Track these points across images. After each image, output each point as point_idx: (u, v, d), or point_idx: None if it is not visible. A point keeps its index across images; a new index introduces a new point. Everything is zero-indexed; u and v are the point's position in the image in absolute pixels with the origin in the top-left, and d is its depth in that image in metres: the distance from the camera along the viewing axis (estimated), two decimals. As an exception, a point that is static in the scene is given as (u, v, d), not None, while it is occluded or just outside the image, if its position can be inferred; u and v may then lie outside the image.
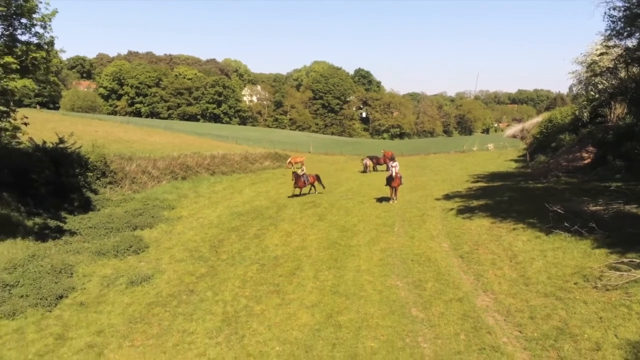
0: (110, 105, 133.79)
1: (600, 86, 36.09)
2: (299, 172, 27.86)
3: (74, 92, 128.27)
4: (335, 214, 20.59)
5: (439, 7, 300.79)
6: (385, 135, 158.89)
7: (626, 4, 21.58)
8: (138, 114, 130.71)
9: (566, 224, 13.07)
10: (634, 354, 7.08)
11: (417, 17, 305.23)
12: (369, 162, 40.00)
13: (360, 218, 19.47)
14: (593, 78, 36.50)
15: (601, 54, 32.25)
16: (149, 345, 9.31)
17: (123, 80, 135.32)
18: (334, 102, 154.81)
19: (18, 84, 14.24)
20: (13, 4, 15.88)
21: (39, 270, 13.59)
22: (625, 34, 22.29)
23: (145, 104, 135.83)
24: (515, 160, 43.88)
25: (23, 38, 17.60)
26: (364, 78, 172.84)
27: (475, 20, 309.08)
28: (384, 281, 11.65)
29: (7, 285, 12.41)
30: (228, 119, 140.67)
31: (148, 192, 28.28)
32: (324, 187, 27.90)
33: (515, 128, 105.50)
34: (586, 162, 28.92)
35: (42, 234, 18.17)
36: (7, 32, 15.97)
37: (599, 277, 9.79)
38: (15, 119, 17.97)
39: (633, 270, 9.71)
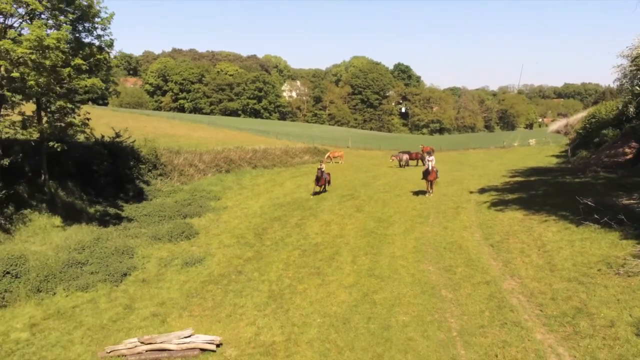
0: (156, 101, 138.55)
1: (647, 80, 35.35)
2: (322, 167, 27.21)
3: (122, 89, 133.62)
4: (372, 206, 21.47)
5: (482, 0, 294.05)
6: (424, 130, 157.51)
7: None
8: (182, 109, 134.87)
9: (596, 216, 13.55)
10: (644, 329, 7.74)
11: (459, 11, 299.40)
12: (404, 157, 40.64)
13: (397, 210, 20.30)
14: (638, 72, 35.80)
15: (649, 48, 31.67)
16: (205, 315, 10.54)
17: (167, 77, 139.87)
18: (373, 97, 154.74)
19: (88, 82, 15.84)
20: (78, 9, 17.46)
21: (104, 251, 15.19)
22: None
23: (189, 100, 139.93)
24: (557, 156, 43.38)
25: (85, 41, 19.37)
26: (403, 73, 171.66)
27: (520, 12, 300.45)
28: (417, 266, 12.51)
29: (79, 263, 14.00)
30: (268, 115, 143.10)
31: (195, 184, 29.94)
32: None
33: (559, 123, 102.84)
34: (628, 157, 28.65)
35: (103, 220, 19.92)
36: (74, 36, 17.57)
37: (622, 265, 10.35)
38: (79, 115, 19.75)
39: (656, 259, 10.23)
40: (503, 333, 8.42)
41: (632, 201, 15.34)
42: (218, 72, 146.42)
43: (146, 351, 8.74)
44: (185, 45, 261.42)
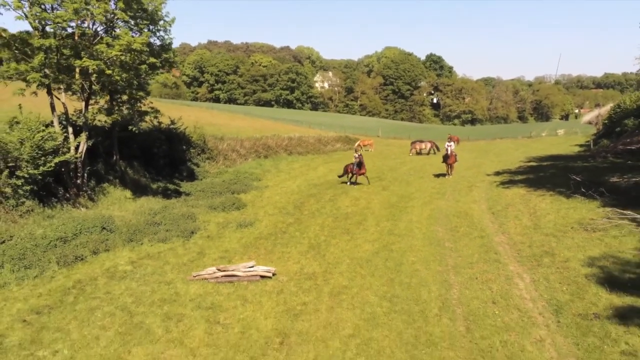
0: (192, 92, 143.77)
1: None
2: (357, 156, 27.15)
3: (157, 80, 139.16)
4: (397, 186, 24.34)
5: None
6: (456, 121, 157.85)
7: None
8: (217, 100, 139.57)
9: (583, 190, 16.11)
10: (590, 262, 10.42)
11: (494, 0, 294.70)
12: (423, 146, 43.48)
13: (418, 188, 23.12)
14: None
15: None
16: (260, 258, 13.68)
17: (204, 68, 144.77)
18: (404, 87, 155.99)
19: (161, 78, 19.22)
20: (149, 16, 20.79)
21: (172, 216, 18.57)
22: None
23: (224, 91, 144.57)
24: (581, 145, 44.96)
25: (150, 40, 22.77)
26: (435, 63, 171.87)
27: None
28: (428, 227, 15.38)
29: (156, 223, 17.42)
30: (300, 105, 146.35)
31: (238, 167, 33.39)
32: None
33: (592, 114, 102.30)
34: (640, 145, 30.42)
35: (165, 194, 23.45)
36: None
37: (590, 224, 12.98)
38: (145, 104, 23.23)
39: (618, 219, 12.81)
40: (485, 266, 11.26)
41: (620, 179, 17.73)
42: (252, 63, 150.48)
43: (221, 276, 11.92)
44: (221, 37, 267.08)
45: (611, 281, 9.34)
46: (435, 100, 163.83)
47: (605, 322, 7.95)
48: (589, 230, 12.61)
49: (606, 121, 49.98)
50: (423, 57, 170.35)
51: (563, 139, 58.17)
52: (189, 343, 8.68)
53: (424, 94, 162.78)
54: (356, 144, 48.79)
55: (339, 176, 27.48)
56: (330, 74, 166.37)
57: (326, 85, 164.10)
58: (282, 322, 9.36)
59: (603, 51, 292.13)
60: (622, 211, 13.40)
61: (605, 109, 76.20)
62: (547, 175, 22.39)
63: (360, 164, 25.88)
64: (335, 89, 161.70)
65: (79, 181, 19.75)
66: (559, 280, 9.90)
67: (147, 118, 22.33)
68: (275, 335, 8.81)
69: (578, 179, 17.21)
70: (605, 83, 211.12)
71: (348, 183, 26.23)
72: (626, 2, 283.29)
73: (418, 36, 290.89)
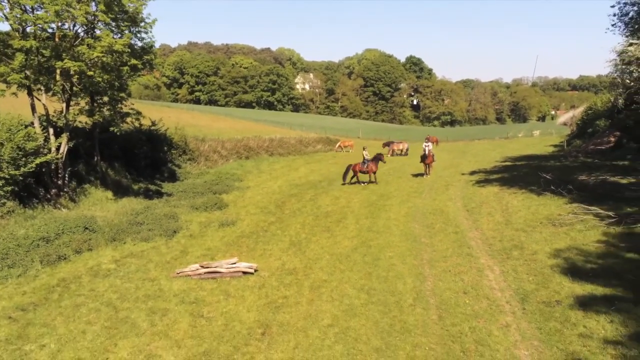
0: (172, 94, 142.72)
1: (635, 74, 38.02)
2: (365, 155, 26.84)
3: (139, 82, 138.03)
4: (376, 185, 24.86)
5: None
6: (435, 122, 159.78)
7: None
8: (197, 101, 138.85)
9: (552, 188, 16.85)
10: (555, 254, 11.04)
11: (474, 3, 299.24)
12: (401, 146, 44.49)
13: (396, 187, 23.68)
14: (627, 67, 38.50)
15: (630, 44, 34.38)
16: (242, 256, 14.00)
17: (184, 70, 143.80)
18: (384, 89, 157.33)
19: (144, 79, 19.35)
20: (130, 17, 20.93)
21: (155, 216, 18.75)
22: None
23: (205, 92, 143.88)
24: (555, 146, 46.10)
25: (132, 42, 22.87)
26: (415, 65, 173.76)
27: (536, 3, 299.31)
28: (406, 224, 15.90)
29: (138, 223, 17.59)
30: (281, 107, 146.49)
31: (219, 168, 33.60)
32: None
33: (566, 116, 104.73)
34: (610, 145, 31.55)
35: (147, 194, 23.58)
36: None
37: (557, 219, 13.64)
38: (126, 106, 23.30)
39: (584, 215, 13.50)
40: (458, 259, 11.79)
41: (588, 178, 18.52)
42: (233, 65, 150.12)
43: (204, 273, 12.22)
44: (201, 38, 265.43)
45: (574, 271, 9.94)
46: (415, 102, 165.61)
47: (566, 308, 8.51)
48: (557, 225, 13.25)
49: (579, 122, 51.41)
50: (403, 59, 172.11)
51: (538, 139, 59.58)
52: (174, 335, 8.99)
53: (404, 96, 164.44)
54: (337, 145, 49.34)
55: (344, 179, 26.03)
56: (311, 75, 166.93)
57: (307, 86, 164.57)
58: (264, 314, 9.74)
59: (579, 54, 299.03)
60: (587, 207, 14.11)
61: (579, 111, 78.09)
62: (521, 174, 23.15)
63: (377, 162, 25.81)
64: (316, 90, 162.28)
65: (60, 182, 19.81)
66: (526, 272, 10.47)
67: (129, 119, 22.46)
68: (258, 327, 9.18)
69: (548, 177, 17.97)
70: (581, 85, 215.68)
71: (351, 182, 25.74)
72: (601, 5, 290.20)
73: (398, 38, 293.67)
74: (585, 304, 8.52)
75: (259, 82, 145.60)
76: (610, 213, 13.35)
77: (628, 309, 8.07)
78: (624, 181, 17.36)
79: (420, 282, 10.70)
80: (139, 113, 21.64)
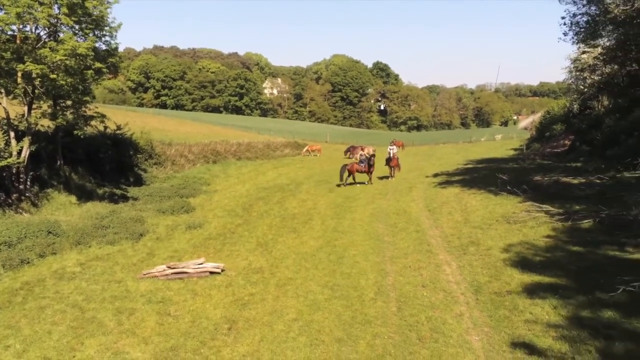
0: (138, 98, 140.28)
1: (588, 81, 39.95)
2: (359, 157, 27.08)
3: (104, 86, 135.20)
4: (343, 188, 25.35)
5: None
6: (402, 127, 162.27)
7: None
8: (164, 106, 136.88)
9: (508, 188, 17.71)
10: (508, 249, 11.72)
11: (439, 9, 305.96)
12: (366, 151, 45.19)
13: (362, 190, 24.23)
14: (581, 73, 40.42)
15: (583, 52, 36.15)
16: (209, 257, 14.17)
17: (149, 74, 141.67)
18: (352, 94, 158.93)
19: (109, 83, 19.28)
20: (94, 21, 20.80)
21: (121, 219, 18.66)
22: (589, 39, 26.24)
23: (171, 97, 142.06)
24: (515, 149, 47.78)
25: (96, 45, 22.69)
26: (382, 71, 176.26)
27: (497, 11, 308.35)
28: (370, 224, 16.40)
29: (104, 226, 17.50)
30: (249, 111, 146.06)
31: (186, 172, 33.44)
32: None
33: (527, 120, 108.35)
34: (564, 148, 33.06)
35: (112, 199, 23.35)
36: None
37: (512, 217, 14.38)
38: (89, 109, 23.04)
39: (536, 212, 14.29)
40: (418, 256, 12.33)
41: (542, 178, 19.48)
42: (200, 69, 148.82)
43: (171, 273, 12.34)
44: (167, 42, 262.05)
45: (524, 264, 10.59)
46: (382, 107, 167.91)
47: (515, 297, 9.11)
48: (511, 222, 13.99)
49: (538, 127, 53.49)
50: (370, 65, 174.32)
51: (500, 143, 61.59)
52: (141, 333, 9.14)
53: (372, 101, 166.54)
54: (304, 149, 49.74)
55: (341, 180, 25.95)
56: (279, 80, 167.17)
57: (275, 91, 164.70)
58: (231, 311, 9.99)
59: (539, 61, 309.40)
60: (539, 205, 14.93)
61: (539, 116, 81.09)
62: (481, 176, 24.07)
63: (370, 164, 25.92)
64: (285, 95, 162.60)
65: (21, 186, 19.48)
66: (480, 265, 11.07)
67: (93, 122, 22.26)
68: (224, 322, 9.43)
69: (505, 178, 18.85)
70: (541, 91, 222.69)
71: (348, 183, 25.76)
72: (560, 13, 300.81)
73: (365, 44, 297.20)
74: (533, 292, 9.13)
75: (226, 87, 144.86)
76: (560, 211, 14.20)
77: (570, 295, 8.72)
78: (575, 181, 18.34)
79: (382, 277, 11.15)
80: (103, 116, 21.54)
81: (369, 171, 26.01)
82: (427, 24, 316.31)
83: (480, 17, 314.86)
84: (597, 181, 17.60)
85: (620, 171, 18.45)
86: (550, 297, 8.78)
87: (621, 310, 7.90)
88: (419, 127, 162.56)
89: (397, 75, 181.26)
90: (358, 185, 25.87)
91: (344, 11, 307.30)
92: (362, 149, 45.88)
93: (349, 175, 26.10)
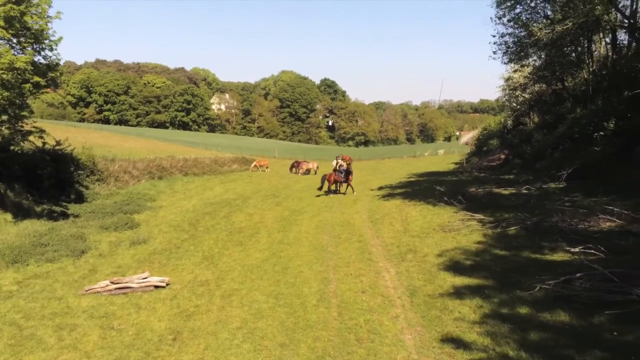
0: (79, 113, 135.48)
1: (520, 98, 42.61)
2: (336, 166, 27.79)
3: (43, 100, 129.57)
4: (290, 202, 25.73)
5: (409, 18, 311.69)
6: (350, 142, 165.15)
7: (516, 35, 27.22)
8: (107, 121, 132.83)
9: (445, 199, 18.73)
10: (442, 255, 12.50)
11: (385, 29, 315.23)
12: (311, 165, 46.16)
13: (309, 203, 24.71)
14: (513, 91, 43.07)
15: (515, 70, 38.64)
16: (154, 271, 14.12)
17: (91, 88, 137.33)
18: (300, 110, 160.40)
19: (48, 97, 18.83)
20: (33, 35, 20.37)
21: (61, 237, 18.16)
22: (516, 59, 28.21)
23: (114, 112, 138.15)
24: (456, 163, 49.95)
25: (35, 59, 22.14)
26: (329, 87, 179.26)
27: (440, 32, 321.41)
28: (315, 236, 16.86)
29: (42, 244, 16.99)
30: (197, 127, 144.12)
31: (130, 189, 32.77)
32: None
33: (468, 136, 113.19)
34: (500, 162, 35.06)
35: (51, 216, 22.61)
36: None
37: (447, 226, 15.28)
38: (27, 124, 22.36)
39: (469, 221, 15.25)
40: (360, 264, 12.89)
41: (476, 190, 20.70)
42: (145, 84, 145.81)
43: (115, 289, 12.26)
44: (110, 56, 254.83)
45: (456, 268, 11.36)
46: (330, 123, 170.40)
47: (446, 298, 9.79)
48: (446, 230, 14.86)
49: (476, 141, 56.24)
50: (318, 81, 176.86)
51: (442, 157, 64.15)
52: (83, 347, 9.10)
53: (320, 117, 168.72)
54: (252, 165, 49.80)
55: (319, 188, 28.25)
56: (227, 96, 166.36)
57: (223, 107, 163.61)
58: (176, 322, 10.10)
59: (479, 79, 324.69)
60: (472, 214, 15.94)
61: (478, 131, 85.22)
62: (422, 188, 25.17)
63: (348, 173, 26.76)
64: (233, 111, 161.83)
65: (-48, 204, 18.59)
66: (417, 271, 11.75)
67: (31, 138, 21.61)
68: (169, 334, 9.54)
69: (442, 190, 19.95)
70: (482, 108, 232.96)
71: (330, 194, 27.02)
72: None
73: (312, 61, 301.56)
74: (462, 293, 9.85)
75: (172, 102, 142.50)
76: (491, 219, 15.24)
77: (493, 294, 9.50)
78: (506, 192, 19.62)
79: (324, 285, 11.59)
80: (42, 131, 20.99)
81: (347, 180, 26.96)
82: (374, 42, 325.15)
83: (424, 35, 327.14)
84: (525, 192, 18.94)
85: (547, 182, 19.93)
86: (477, 297, 9.52)
87: (537, 305, 8.72)
88: (366, 143, 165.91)
89: (344, 92, 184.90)
90: (331, 195, 27.09)
91: (292, 27, 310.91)
92: (306, 164, 46.64)
93: (330, 184, 27.27)
